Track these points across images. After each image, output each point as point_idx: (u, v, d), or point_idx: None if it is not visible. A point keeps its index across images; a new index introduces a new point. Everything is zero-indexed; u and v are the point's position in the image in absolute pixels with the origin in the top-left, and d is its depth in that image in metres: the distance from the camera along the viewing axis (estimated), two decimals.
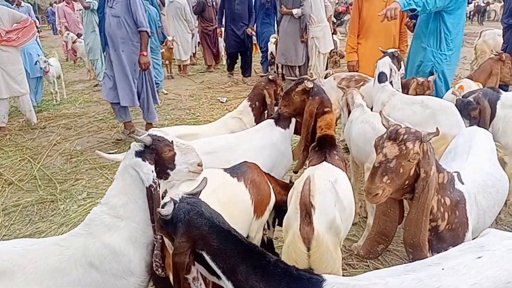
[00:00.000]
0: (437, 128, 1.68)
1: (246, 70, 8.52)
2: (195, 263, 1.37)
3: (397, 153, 1.62)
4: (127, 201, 1.77)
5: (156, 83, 7.25)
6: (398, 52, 3.51)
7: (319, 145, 2.34)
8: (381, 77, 3.31)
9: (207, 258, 1.34)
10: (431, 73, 3.83)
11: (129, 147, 1.85)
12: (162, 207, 1.41)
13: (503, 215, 3.15)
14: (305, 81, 2.65)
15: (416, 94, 3.46)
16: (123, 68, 4.94)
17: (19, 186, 4.23)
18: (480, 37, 7.32)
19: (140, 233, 1.76)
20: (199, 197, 1.50)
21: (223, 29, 8.64)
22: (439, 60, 3.90)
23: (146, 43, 5.01)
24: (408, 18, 4.60)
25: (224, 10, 8.35)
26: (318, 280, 1.25)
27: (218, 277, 1.34)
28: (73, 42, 9.74)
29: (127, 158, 1.82)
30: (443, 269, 1.25)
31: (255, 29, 8.67)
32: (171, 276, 1.60)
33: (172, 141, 1.84)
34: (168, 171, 1.84)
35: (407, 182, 1.69)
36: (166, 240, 1.46)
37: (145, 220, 1.78)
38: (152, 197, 1.75)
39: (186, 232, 1.35)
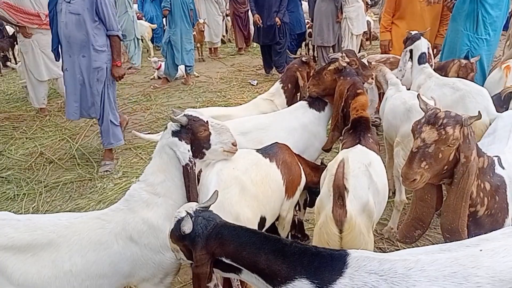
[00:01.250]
0: (479, 112, 1.63)
1: (280, 65, 7.36)
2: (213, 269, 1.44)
3: (436, 138, 1.58)
4: (164, 179, 1.82)
5: (189, 66, 7.36)
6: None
7: (353, 128, 2.32)
8: (422, 58, 3.25)
9: (227, 261, 1.39)
10: (467, 58, 3.64)
11: (166, 127, 1.89)
12: (179, 222, 1.45)
13: None
14: (340, 59, 2.61)
15: (458, 77, 3.34)
16: (76, 77, 3.99)
17: (59, 165, 4.42)
18: None
19: (176, 210, 1.82)
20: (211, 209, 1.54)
21: (256, 16, 7.32)
22: (475, 45, 3.72)
23: (118, 51, 4.07)
24: None
25: None
26: (341, 254, 1.26)
27: (239, 271, 1.40)
28: None
29: (164, 137, 1.88)
30: (481, 250, 1.22)
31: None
32: None
33: (207, 121, 1.87)
34: (204, 150, 1.88)
35: (446, 167, 1.65)
36: (176, 250, 1.52)
37: (182, 197, 1.83)
38: (188, 175, 1.80)
39: (206, 246, 1.40)
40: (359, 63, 2.88)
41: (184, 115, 1.86)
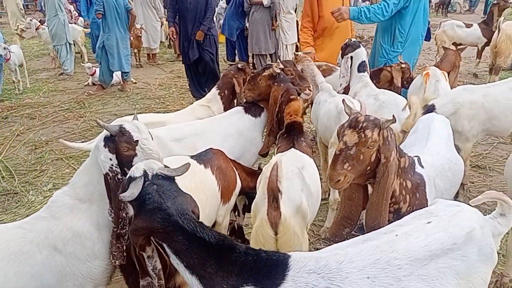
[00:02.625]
0: (393, 116, 1.74)
1: (206, 84, 6.11)
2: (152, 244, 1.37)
3: (356, 141, 1.67)
4: (88, 181, 1.73)
5: (125, 72, 7.14)
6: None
7: (287, 132, 2.38)
8: (362, 67, 3.35)
9: (168, 251, 1.32)
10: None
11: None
12: (129, 180, 1.36)
13: (462, 198, 3.30)
14: (273, 66, 2.68)
15: (402, 78, 3.66)
16: None
17: None
18: (439, 28, 7.58)
19: (102, 216, 1.73)
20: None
21: (171, 29, 6.29)
22: (392, 58, 4.01)
23: None
24: None
25: (175, 5, 6.01)
26: (284, 257, 1.29)
27: (177, 264, 1.32)
28: (36, 29, 9.36)
29: (98, 139, 1.80)
30: (396, 235, 1.35)
31: (222, 23, 7.84)
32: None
33: (137, 141, 1.69)
34: (125, 169, 1.69)
35: (368, 168, 1.73)
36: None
37: (106, 204, 1.74)
38: (108, 185, 1.69)
39: (146, 220, 1.31)
40: (296, 73, 2.95)
41: (120, 125, 1.72)
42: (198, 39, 5.91)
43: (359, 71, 3.36)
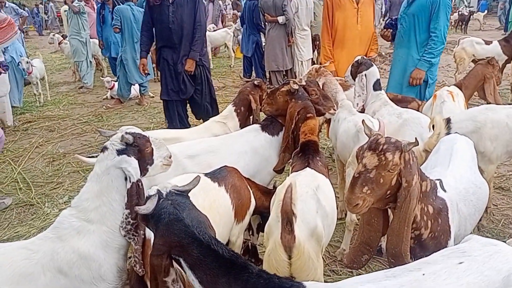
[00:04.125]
0: (415, 138, 1.67)
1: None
2: (174, 264, 1.34)
3: (376, 164, 1.60)
4: (100, 204, 1.72)
5: (143, 86, 7.23)
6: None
7: (302, 151, 2.32)
8: (377, 85, 3.31)
9: (184, 265, 1.31)
10: (426, 82, 3.95)
11: (104, 148, 1.79)
12: (146, 200, 1.40)
13: (485, 222, 3.17)
14: (291, 82, 2.65)
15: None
16: None
17: None
18: (458, 45, 7.49)
19: (112, 237, 1.71)
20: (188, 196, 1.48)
21: (142, 62, 4.79)
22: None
23: None
24: (383, 27, 4.61)
25: (151, 27, 4.53)
26: (298, 286, 1.23)
27: (193, 280, 1.32)
28: (59, 43, 9.61)
29: (107, 159, 1.76)
30: (424, 274, 1.24)
31: (241, 39, 7.75)
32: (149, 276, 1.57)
33: (149, 136, 1.87)
34: (148, 166, 1.86)
35: (388, 192, 1.66)
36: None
37: (117, 223, 1.73)
38: (139, 191, 1.73)
39: (164, 236, 1.33)
40: (320, 93, 2.91)
41: (127, 133, 1.81)
42: (188, 70, 4.43)
43: (375, 89, 3.31)
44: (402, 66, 4.11)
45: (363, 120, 1.96)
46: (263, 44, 8.09)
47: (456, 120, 2.84)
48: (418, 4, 3.88)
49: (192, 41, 4.39)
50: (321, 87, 3.18)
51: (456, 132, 2.63)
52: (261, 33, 8.08)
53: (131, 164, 1.74)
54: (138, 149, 1.79)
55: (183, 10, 4.32)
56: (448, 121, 2.82)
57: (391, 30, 4.28)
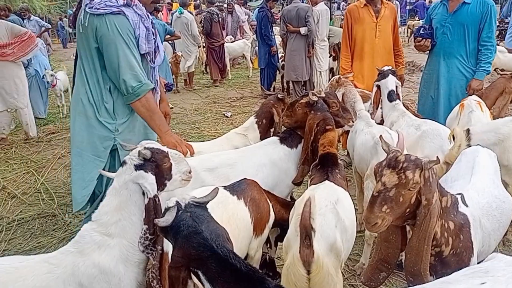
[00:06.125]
0: (437, 157, 1.64)
1: None
2: (192, 276, 1.35)
3: (396, 182, 1.57)
4: (120, 218, 1.74)
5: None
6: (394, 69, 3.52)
7: (321, 163, 2.31)
8: (391, 96, 3.28)
9: (202, 278, 1.32)
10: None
11: (123, 162, 1.82)
12: (165, 211, 1.41)
13: (511, 236, 3.08)
14: (310, 94, 2.65)
15: None
16: None
17: (22, 200, 4.23)
18: None
19: (132, 252, 1.73)
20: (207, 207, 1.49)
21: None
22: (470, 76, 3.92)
23: None
24: (414, 36, 4.48)
25: None
26: None
27: None
28: None
29: (125, 173, 1.79)
30: None
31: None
32: None
33: (168, 151, 1.86)
34: (166, 181, 1.85)
35: (408, 210, 1.63)
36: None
37: (137, 236, 1.74)
38: (156, 207, 1.74)
39: (183, 248, 1.34)
40: (339, 105, 2.90)
41: (145, 148, 1.81)
42: None
43: (389, 100, 3.29)
44: (448, 77, 3.96)
45: (380, 136, 1.93)
46: (273, 53, 8.21)
47: (476, 132, 2.78)
48: (467, 13, 3.76)
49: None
50: (340, 97, 3.18)
51: (478, 144, 2.58)
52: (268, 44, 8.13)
53: (148, 179, 1.74)
54: (156, 164, 1.79)
55: None
56: (467, 132, 2.76)
57: (430, 40, 3.99)
